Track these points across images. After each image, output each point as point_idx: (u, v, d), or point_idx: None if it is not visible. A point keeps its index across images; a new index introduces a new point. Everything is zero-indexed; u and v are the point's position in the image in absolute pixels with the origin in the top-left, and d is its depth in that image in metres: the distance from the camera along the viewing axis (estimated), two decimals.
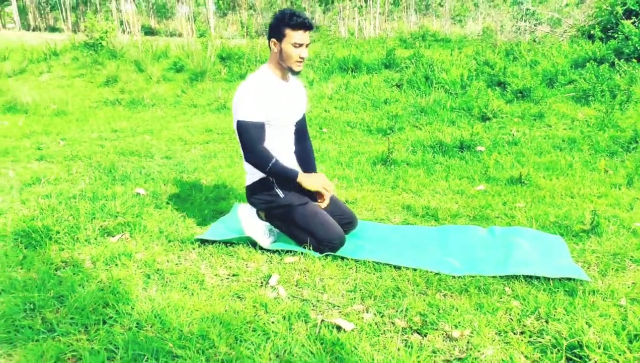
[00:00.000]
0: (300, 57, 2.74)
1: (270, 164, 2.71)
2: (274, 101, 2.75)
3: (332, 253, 2.80)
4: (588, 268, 2.72)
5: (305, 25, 2.71)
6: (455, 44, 14.95)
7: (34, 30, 41.89)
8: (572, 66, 7.37)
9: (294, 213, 2.85)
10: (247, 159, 2.79)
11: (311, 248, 2.84)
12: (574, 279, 2.53)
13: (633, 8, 7.93)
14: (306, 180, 2.81)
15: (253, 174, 2.90)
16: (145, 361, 1.87)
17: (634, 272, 2.65)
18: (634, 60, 6.71)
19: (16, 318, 2.13)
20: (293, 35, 2.69)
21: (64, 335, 2.02)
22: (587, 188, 4.07)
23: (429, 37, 19.88)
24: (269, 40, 2.78)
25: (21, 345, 1.97)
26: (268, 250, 2.86)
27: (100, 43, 13.10)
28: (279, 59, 2.78)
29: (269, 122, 2.78)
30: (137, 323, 2.11)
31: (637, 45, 7.10)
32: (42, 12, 56.74)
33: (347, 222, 3.06)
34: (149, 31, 41.70)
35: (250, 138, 2.72)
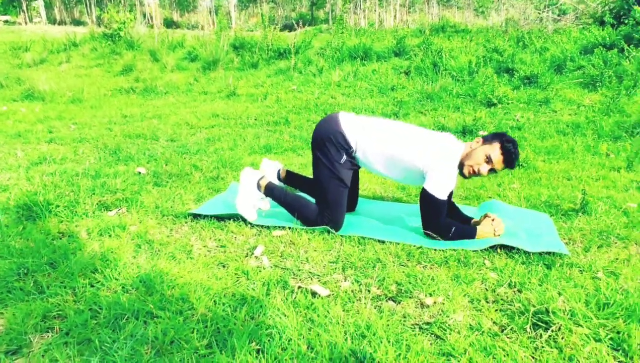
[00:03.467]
0: (476, 170, 2.74)
1: (452, 230, 2.74)
2: None
3: (318, 227, 2.88)
4: (572, 244, 2.75)
5: (511, 164, 2.74)
6: (474, 34, 14.83)
7: (59, 24, 42.49)
8: (582, 52, 7.30)
9: (331, 184, 2.89)
10: (427, 228, 2.78)
11: (301, 221, 2.94)
12: (554, 253, 2.56)
13: None
14: (481, 233, 2.79)
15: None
16: (126, 320, 1.97)
17: (618, 249, 2.68)
18: None
19: (9, 280, 2.24)
20: (493, 154, 2.70)
21: (52, 296, 2.13)
22: (586, 171, 4.08)
23: (449, 28, 19.69)
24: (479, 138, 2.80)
25: (12, 304, 2.08)
26: (258, 225, 2.94)
27: (118, 34, 13.31)
28: (467, 152, 2.78)
29: None
30: (123, 287, 2.21)
31: None
32: (67, 6, 57.51)
33: (350, 209, 3.21)
34: (170, 24, 41.99)
35: (437, 213, 2.72)
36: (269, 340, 1.83)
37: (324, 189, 2.92)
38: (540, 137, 5.12)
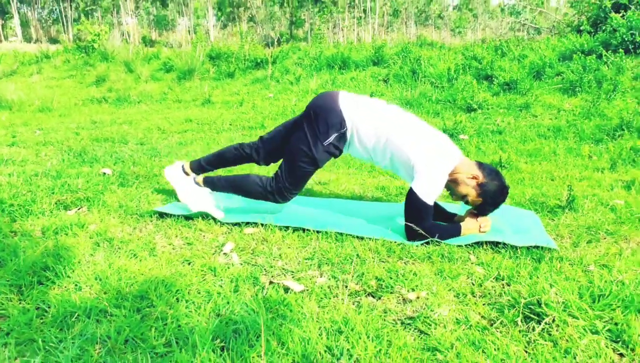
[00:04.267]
0: (462, 200, 2.71)
1: (437, 236, 2.54)
2: None
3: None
4: (561, 240, 2.61)
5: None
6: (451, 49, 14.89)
7: (35, 42, 42.00)
8: (560, 58, 7.28)
9: (302, 159, 2.73)
10: (410, 234, 2.57)
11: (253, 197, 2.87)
12: (542, 248, 2.42)
13: (622, 2, 7.87)
14: (466, 230, 2.64)
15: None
16: (76, 318, 1.76)
17: (608, 244, 2.55)
18: (621, 50, 6.63)
19: None
20: (490, 200, 2.66)
21: None
22: (569, 171, 3.97)
23: (426, 45, 19.81)
24: (480, 171, 2.65)
25: None
26: (228, 223, 2.75)
27: (92, 46, 13.05)
28: (464, 184, 2.64)
29: None
30: (76, 285, 2.01)
31: (624, 36, 7.03)
32: (44, 24, 57.01)
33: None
34: (148, 42, 41.78)
35: (422, 217, 2.53)
36: (235, 337, 1.64)
37: (292, 159, 2.75)
38: (521, 140, 5.02)
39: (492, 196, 2.63)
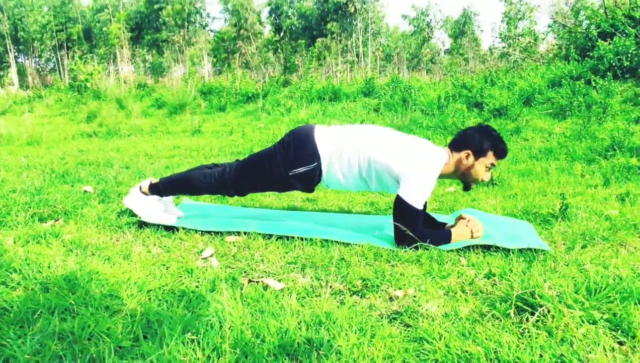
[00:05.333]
0: (480, 180, 2.64)
1: (427, 242, 2.44)
2: None
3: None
4: (554, 245, 2.52)
5: (507, 154, 2.66)
6: None
7: (32, 89, 42.34)
8: (549, 85, 7.32)
9: (263, 174, 2.69)
10: (400, 240, 2.46)
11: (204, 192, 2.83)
12: (535, 250, 2.32)
13: (607, 30, 7.98)
14: (456, 236, 2.54)
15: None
16: (38, 315, 1.64)
17: (603, 247, 2.46)
18: (609, 75, 6.67)
19: None
20: (493, 160, 2.60)
21: None
22: (562, 188, 3.90)
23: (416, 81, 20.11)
24: (461, 148, 2.60)
25: None
26: (209, 232, 2.65)
27: (84, 85, 13.09)
28: (463, 169, 2.61)
29: None
30: (42, 285, 1.89)
31: (612, 61, 7.09)
32: (40, 73, 57.57)
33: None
34: (144, 87, 42.13)
35: (411, 223, 2.43)
36: (207, 330, 1.52)
37: (251, 162, 2.73)
38: (513, 161, 4.98)
39: (489, 144, 2.57)
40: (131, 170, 4.52)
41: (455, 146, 2.62)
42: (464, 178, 2.65)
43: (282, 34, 42.04)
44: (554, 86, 7.22)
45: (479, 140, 2.57)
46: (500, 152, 2.58)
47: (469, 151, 2.57)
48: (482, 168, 2.58)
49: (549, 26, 21.29)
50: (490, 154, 2.57)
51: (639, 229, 2.76)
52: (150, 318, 1.62)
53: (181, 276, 2.03)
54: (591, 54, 7.64)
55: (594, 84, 6.72)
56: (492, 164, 2.61)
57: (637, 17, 8.01)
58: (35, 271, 2.02)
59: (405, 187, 2.46)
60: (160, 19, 40.71)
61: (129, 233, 2.64)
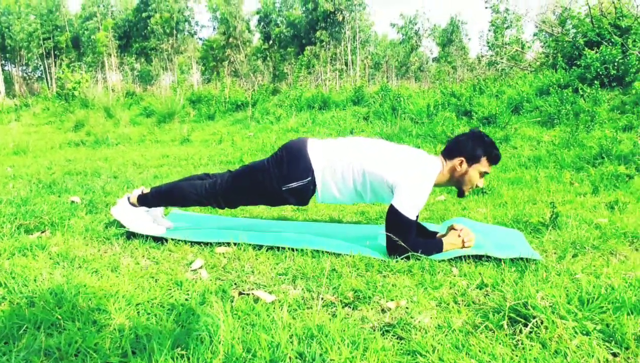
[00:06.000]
0: (474, 187, 2.66)
1: (419, 252, 2.42)
2: None
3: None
4: (545, 254, 2.51)
5: (500, 160, 2.66)
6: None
7: (19, 97, 42.02)
8: (537, 93, 7.38)
9: (254, 185, 2.67)
10: (392, 250, 2.43)
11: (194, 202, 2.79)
12: (527, 260, 2.31)
13: (594, 39, 8.06)
14: (448, 245, 2.53)
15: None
16: (24, 331, 1.61)
17: (594, 256, 2.46)
18: (596, 83, 6.73)
19: None
20: (487, 167, 2.60)
21: None
22: (551, 196, 3.91)
23: (405, 89, 20.19)
24: (454, 155, 2.58)
25: None
26: (199, 243, 2.62)
27: (72, 93, 12.99)
28: (457, 176, 2.60)
29: None
30: (28, 299, 1.85)
31: (599, 70, 7.16)
32: (28, 81, 57.16)
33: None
34: (132, 95, 41.96)
35: (404, 233, 2.41)
36: (197, 345, 1.50)
37: (244, 179, 2.69)
38: (502, 170, 4.99)
39: (482, 151, 2.56)
40: (119, 180, 4.48)
41: (448, 154, 2.62)
42: (459, 185, 2.66)
43: (271, 42, 42.07)
44: (542, 94, 7.27)
45: (472, 147, 2.56)
46: (493, 158, 2.59)
47: (462, 158, 2.57)
48: (476, 174, 2.59)
49: (535, 35, 21.45)
50: (483, 160, 2.57)
51: (628, 237, 2.76)
52: (139, 333, 1.59)
53: (170, 289, 2.00)
54: (578, 63, 7.71)
55: (581, 93, 6.78)
56: (486, 173, 2.62)
57: (623, 26, 8.11)
58: (20, 284, 1.98)
59: (399, 197, 2.45)
60: (148, 27, 40.60)
61: (117, 244, 2.60)
